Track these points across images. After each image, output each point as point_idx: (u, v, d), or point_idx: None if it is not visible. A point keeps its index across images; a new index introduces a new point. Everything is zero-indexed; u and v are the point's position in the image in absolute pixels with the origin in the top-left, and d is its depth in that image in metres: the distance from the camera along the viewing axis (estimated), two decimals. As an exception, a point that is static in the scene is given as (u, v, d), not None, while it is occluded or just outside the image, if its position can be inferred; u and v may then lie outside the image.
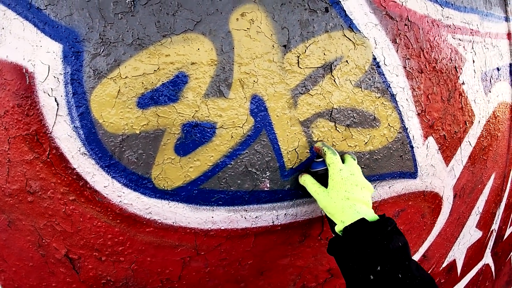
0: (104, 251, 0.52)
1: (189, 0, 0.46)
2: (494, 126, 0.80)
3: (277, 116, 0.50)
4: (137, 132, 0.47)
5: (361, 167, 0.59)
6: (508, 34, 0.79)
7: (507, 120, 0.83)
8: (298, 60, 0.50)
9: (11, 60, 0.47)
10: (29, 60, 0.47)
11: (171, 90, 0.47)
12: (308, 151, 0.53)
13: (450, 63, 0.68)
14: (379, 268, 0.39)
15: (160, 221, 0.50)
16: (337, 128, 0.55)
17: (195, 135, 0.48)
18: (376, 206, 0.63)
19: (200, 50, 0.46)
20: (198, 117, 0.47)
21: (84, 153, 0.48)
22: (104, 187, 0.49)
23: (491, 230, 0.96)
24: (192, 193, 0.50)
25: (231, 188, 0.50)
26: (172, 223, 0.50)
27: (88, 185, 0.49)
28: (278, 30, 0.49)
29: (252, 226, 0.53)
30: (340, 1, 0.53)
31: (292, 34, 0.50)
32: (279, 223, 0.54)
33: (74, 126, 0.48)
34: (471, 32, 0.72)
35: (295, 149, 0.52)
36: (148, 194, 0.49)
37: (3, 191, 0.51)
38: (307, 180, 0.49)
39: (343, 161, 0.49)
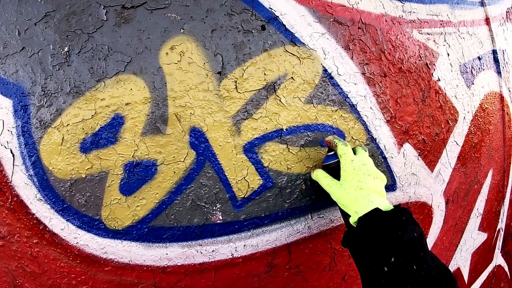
0: (71, 291, 0.51)
1: (118, 42, 0.45)
2: (483, 120, 0.69)
3: (220, 146, 0.47)
4: (83, 176, 0.46)
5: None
6: (486, 20, 0.69)
7: (498, 110, 0.71)
8: (236, 85, 0.46)
9: (-28, 118, 0.48)
10: (-14, 116, 0.47)
11: (109, 132, 0.45)
12: (260, 177, 0.48)
13: (419, 60, 0.60)
14: (393, 260, 0.37)
15: (116, 260, 0.48)
16: (290, 150, 0.49)
17: (137, 174, 0.46)
18: (349, 225, 0.56)
19: (133, 90, 0.45)
20: (138, 156, 0.45)
21: (40, 199, 0.48)
22: (61, 229, 0.49)
23: (497, 229, 0.83)
24: (143, 231, 0.47)
25: (182, 224, 0.47)
26: (128, 262, 0.48)
27: (47, 229, 0.49)
28: (211, 58, 0.46)
29: (210, 260, 0.49)
30: (277, 17, 0.48)
31: (227, 59, 0.46)
32: (239, 255, 0.50)
33: (29, 174, 0.48)
34: (441, 24, 0.63)
35: (244, 177, 0.48)
36: (101, 234, 0.48)
37: (-21, 238, 0.52)
38: (319, 174, 0.48)
39: (354, 153, 0.48)
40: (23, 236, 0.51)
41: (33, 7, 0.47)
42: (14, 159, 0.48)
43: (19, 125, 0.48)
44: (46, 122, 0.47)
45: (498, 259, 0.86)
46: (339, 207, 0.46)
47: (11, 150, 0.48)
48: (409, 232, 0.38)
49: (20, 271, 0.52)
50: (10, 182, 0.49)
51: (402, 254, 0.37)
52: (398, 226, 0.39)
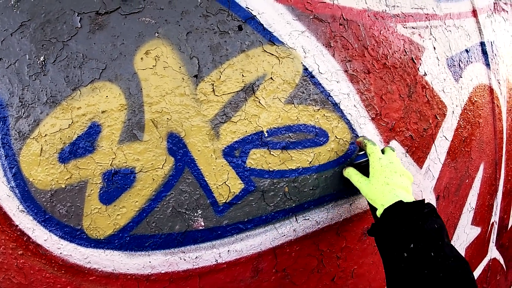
0: (59, 301, 0.49)
1: (93, 49, 0.43)
2: (473, 113, 0.66)
3: (199, 150, 0.44)
4: (63, 186, 0.44)
5: (310, 189, 0.50)
6: (473, 12, 0.65)
7: (487, 103, 0.68)
8: (213, 88, 0.44)
9: (-47, 133, 0.46)
10: (-33, 130, 0.46)
11: (86, 141, 0.43)
12: (241, 182, 0.46)
13: (404, 55, 0.57)
14: (412, 246, 0.39)
15: (100, 269, 0.47)
16: (271, 152, 0.47)
17: (116, 183, 0.44)
18: (337, 226, 0.53)
19: (108, 97, 0.43)
20: (116, 164, 0.43)
21: (23, 210, 0.47)
22: (45, 240, 0.47)
23: (491, 223, 0.80)
24: (124, 240, 0.45)
25: (163, 231, 0.45)
26: (112, 271, 0.47)
27: (31, 240, 0.47)
28: (187, 61, 0.43)
29: (194, 267, 0.47)
30: (255, 16, 0.46)
31: (203, 62, 0.44)
32: (223, 261, 0.48)
33: (11, 186, 0.46)
34: (426, 17, 0.60)
35: (225, 182, 0.46)
36: (84, 244, 0.46)
37: (-34, 251, 0.50)
38: (350, 172, 0.51)
39: (383, 152, 0.50)
40: (8, 247, 0.49)
41: (9, 17, 0.45)
42: (-5, 171, 0.46)
43: (-1, 137, 0.46)
44: (24, 133, 0.45)
45: (493, 252, 0.83)
46: (368, 203, 0.49)
47: (-8, 162, 0.47)
48: (430, 223, 0.40)
49: (7, 282, 0.51)
50: (-7, 194, 0.47)
51: (421, 241, 0.39)
52: (419, 216, 0.40)
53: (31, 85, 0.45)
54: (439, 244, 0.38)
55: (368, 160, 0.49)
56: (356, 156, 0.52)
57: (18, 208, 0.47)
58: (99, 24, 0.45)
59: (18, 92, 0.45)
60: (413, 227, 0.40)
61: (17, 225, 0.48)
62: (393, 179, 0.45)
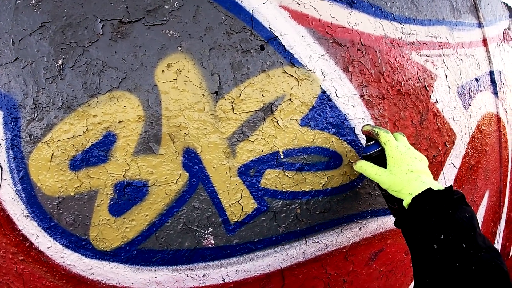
0: (56, 310, 0.47)
1: (113, 58, 0.42)
2: (480, 141, 0.67)
3: (214, 168, 0.44)
4: (72, 194, 0.43)
5: (322, 212, 0.50)
6: (484, 41, 0.67)
7: (494, 132, 0.69)
8: (232, 106, 0.44)
9: (-39, 129, 0.45)
10: (-24, 128, 0.45)
11: (100, 150, 0.42)
12: (254, 201, 0.45)
13: (418, 83, 0.58)
14: (442, 237, 0.36)
15: (103, 281, 0.45)
16: (286, 173, 0.47)
17: (127, 195, 0.43)
18: (346, 250, 0.53)
19: (126, 107, 0.42)
20: (129, 176, 0.42)
21: (27, 215, 0.45)
22: (48, 248, 0.45)
23: (494, 251, 0.80)
24: (131, 254, 0.44)
25: (172, 247, 0.44)
26: (115, 284, 0.45)
27: (33, 246, 0.46)
28: (208, 77, 0.43)
29: (200, 285, 0.46)
30: (277, 37, 0.46)
31: (224, 79, 0.44)
32: (230, 281, 0.47)
33: (17, 189, 0.45)
34: (439, 46, 0.61)
35: (238, 201, 0.45)
36: (89, 255, 0.44)
37: (-37, 252, 0.49)
38: (364, 165, 0.46)
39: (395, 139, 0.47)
40: (8, 252, 0.47)
41: (29, 17, 0.44)
42: (2, 173, 0.45)
43: (8, 138, 0.45)
44: (36, 136, 0.44)
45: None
46: (384, 196, 0.46)
47: (-1, 164, 0.45)
48: (461, 211, 0.37)
49: (4, 287, 0.49)
50: (-3, 196, 0.46)
51: (451, 232, 0.36)
52: (449, 205, 0.38)
53: (47, 88, 0.44)
54: (471, 235, 0.36)
55: (379, 150, 0.45)
56: (366, 147, 0.47)
57: (23, 213, 0.45)
58: (122, 32, 0.45)
59: (32, 94, 0.44)
60: (443, 217, 0.37)
61: (20, 230, 0.46)
62: (416, 165, 0.42)
